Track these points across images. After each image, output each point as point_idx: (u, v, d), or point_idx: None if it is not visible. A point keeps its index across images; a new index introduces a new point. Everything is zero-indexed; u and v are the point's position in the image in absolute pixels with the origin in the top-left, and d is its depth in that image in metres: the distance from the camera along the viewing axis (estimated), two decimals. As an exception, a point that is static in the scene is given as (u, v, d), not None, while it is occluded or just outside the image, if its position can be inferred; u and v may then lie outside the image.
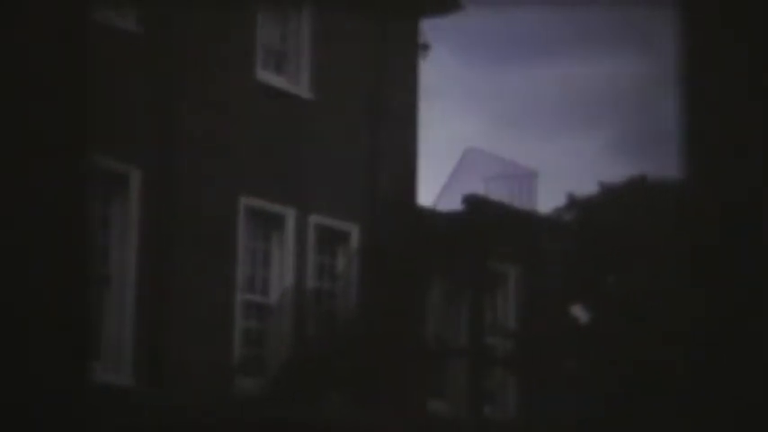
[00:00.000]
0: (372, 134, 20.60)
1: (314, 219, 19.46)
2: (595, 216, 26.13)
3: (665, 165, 30.90)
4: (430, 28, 21.76)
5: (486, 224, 21.09)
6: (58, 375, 5.40)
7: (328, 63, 19.92)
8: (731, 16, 4.89)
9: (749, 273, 4.79)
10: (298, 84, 19.67)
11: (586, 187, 27.44)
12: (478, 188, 21.26)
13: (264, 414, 16.63)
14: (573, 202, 26.84)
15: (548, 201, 26.07)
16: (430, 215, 21.02)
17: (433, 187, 22.05)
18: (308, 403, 17.58)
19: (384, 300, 19.80)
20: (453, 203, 21.10)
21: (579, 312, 26.77)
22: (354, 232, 20.14)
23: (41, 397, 5.31)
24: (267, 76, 19.24)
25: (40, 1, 5.56)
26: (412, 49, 21.43)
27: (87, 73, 5.55)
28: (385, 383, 19.09)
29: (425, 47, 21.80)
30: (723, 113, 4.91)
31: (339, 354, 18.99)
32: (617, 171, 31.81)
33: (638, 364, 22.72)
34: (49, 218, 5.45)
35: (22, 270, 5.41)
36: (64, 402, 5.37)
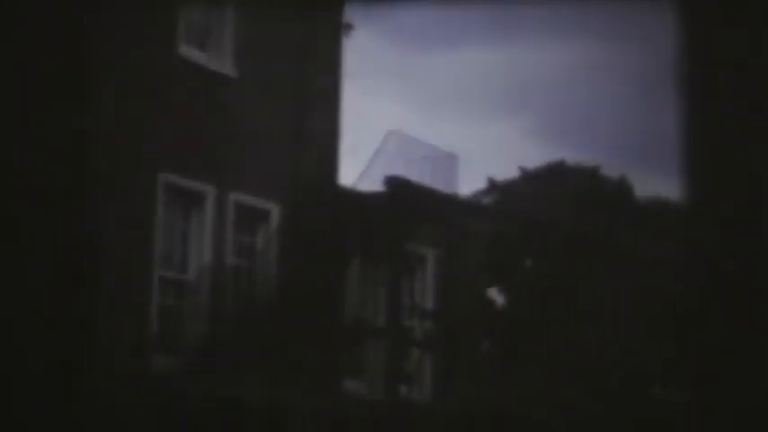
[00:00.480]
0: (295, 113, 20.57)
1: (234, 197, 19.40)
2: (515, 200, 26.34)
3: (587, 150, 31.17)
4: (356, 9, 21.77)
5: (406, 206, 21.17)
6: (57, 374, 5.39)
7: (252, 41, 19.85)
8: (727, 12, 4.91)
9: (751, 273, 4.82)
10: (221, 60, 19.57)
11: (506, 172, 27.59)
12: (400, 170, 21.32)
13: (181, 391, 16.58)
14: (493, 186, 27.00)
15: (468, 184, 26.22)
16: (351, 196, 21.05)
17: (355, 168, 22.11)
18: (225, 381, 17.55)
19: (303, 279, 19.80)
20: (374, 185, 21.15)
21: (496, 295, 26.98)
22: (275, 211, 20.11)
23: (41, 397, 5.30)
24: (190, 52, 19.12)
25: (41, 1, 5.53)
26: (336, 30, 21.42)
27: (88, 72, 5.53)
28: (301, 362, 19.11)
29: (349, 27, 21.80)
30: (723, 113, 4.94)
31: (256, 332, 18.97)
32: (537, 156, 32.03)
33: (551, 346, 22.96)
34: (49, 217, 5.44)
35: (20, 270, 5.41)
36: (63, 399, 5.35)
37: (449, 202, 22.46)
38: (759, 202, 4.78)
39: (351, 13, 21.72)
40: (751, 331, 4.89)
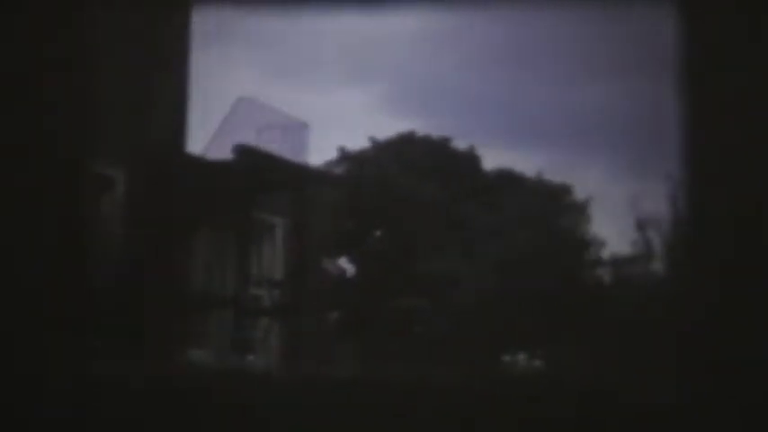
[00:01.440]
0: (142, 78, 20.27)
1: (79, 163, 19.06)
2: (365, 170, 26.40)
3: (438, 122, 31.38)
4: (206, -26, 21.50)
5: (255, 175, 21.06)
6: (56, 375, 5.29)
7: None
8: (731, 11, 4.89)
9: (753, 273, 4.82)
10: (66, 24, 19.17)
11: (358, 142, 27.63)
12: (249, 138, 21.19)
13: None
14: (344, 156, 27.02)
15: (319, 153, 26.20)
16: (198, 164, 20.85)
17: (203, 135, 21.89)
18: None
19: (148, 248, 19.58)
20: (223, 152, 20.98)
21: (346, 264, 27.05)
22: (120, 178, 19.82)
23: (40, 397, 5.19)
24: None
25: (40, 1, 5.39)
26: (186, -6, 21.12)
27: (88, 72, 5.39)
28: (147, 333, 18.92)
29: (199, -8, 21.53)
30: (724, 113, 4.93)
31: (101, 302, 18.72)
32: (388, 127, 32.15)
33: (397, 312, 23.14)
34: (49, 217, 5.32)
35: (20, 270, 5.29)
36: (62, 403, 5.24)
37: (299, 172, 22.41)
38: (759, 201, 4.82)
39: (201, -22, 21.46)
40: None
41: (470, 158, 27.02)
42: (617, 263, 22.78)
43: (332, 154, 27.10)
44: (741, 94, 4.81)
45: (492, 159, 27.30)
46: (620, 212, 22.29)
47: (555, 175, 26.67)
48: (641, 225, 21.66)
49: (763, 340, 4.69)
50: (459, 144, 27.20)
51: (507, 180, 26.47)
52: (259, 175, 21.18)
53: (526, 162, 32.17)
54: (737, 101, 4.81)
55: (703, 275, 4.83)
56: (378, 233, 26.62)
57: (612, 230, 25.19)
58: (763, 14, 4.75)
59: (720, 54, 4.83)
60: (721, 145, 4.80)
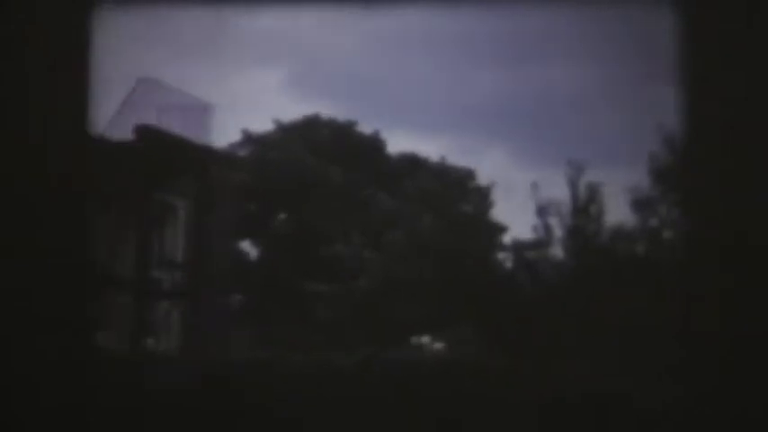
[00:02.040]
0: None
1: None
2: (269, 153, 26.29)
3: (343, 106, 31.32)
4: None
5: (157, 155, 20.85)
6: (56, 374, 5.20)
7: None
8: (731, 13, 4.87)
9: (753, 273, 4.82)
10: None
11: (262, 124, 27.48)
12: (151, 119, 20.96)
13: None
14: (247, 138, 26.86)
15: (223, 135, 26.02)
16: (99, 145, 20.59)
17: (105, 115, 21.61)
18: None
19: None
20: (124, 133, 20.74)
21: (249, 248, 26.91)
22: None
23: (40, 397, 5.04)
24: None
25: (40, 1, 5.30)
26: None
27: (89, 71, 5.30)
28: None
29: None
30: (724, 113, 4.91)
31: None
32: (293, 109, 32.06)
33: (300, 296, 23.09)
34: (49, 217, 5.25)
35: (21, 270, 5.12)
36: (63, 402, 5.15)
37: (202, 153, 22.24)
38: (759, 201, 4.83)
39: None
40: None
41: (375, 142, 27.04)
42: (518, 247, 22.96)
43: (236, 135, 26.93)
44: (740, 92, 4.85)
45: (396, 143, 27.36)
46: (521, 198, 22.48)
47: (458, 160, 26.81)
48: (541, 210, 21.86)
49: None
50: (365, 128, 27.22)
51: (411, 164, 26.54)
52: (161, 156, 20.98)
53: (430, 146, 32.32)
54: (736, 99, 4.85)
55: (703, 271, 4.87)
56: (282, 216, 26.53)
57: (514, 215, 25.38)
58: (763, 14, 4.79)
59: (720, 53, 4.86)
60: (720, 142, 4.83)
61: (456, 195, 26.24)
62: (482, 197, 26.39)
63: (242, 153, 26.81)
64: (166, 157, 21.14)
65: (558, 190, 22.10)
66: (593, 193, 22.00)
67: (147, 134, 20.62)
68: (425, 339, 23.38)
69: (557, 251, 21.99)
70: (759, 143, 4.84)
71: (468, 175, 26.56)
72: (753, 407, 4.75)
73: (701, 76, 4.89)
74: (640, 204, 21.56)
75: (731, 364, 4.74)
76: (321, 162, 25.93)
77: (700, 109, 4.88)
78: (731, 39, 4.87)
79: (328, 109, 29.62)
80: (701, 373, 4.79)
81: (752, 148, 4.84)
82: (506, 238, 25.10)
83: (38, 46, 5.46)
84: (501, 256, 24.74)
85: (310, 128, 26.73)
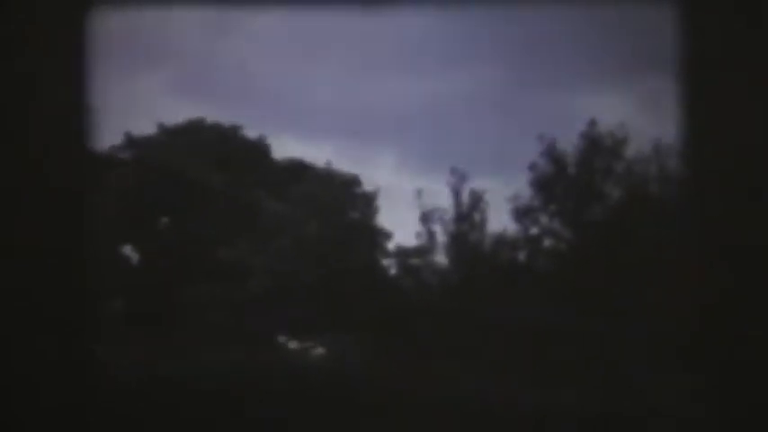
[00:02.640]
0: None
1: None
2: (151, 156, 26.05)
3: (229, 110, 31.09)
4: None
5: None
6: (56, 374, 5.06)
7: None
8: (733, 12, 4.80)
9: (753, 269, 4.75)
10: None
11: (144, 127, 27.22)
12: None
13: None
14: (130, 141, 26.59)
15: (104, 138, 25.66)
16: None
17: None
18: None
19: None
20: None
21: (130, 252, 26.61)
22: None
23: (39, 398, 5.01)
24: None
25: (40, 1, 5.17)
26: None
27: (87, 71, 5.14)
28: None
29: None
30: (724, 113, 4.84)
31: None
32: (177, 112, 31.77)
33: (186, 302, 22.90)
34: (48, 217, 5.05)
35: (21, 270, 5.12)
36: (64, 403, 4.99)
37: (83, 156, 21.92)
38: (761, 203, 4.79)
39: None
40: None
41: (260, 147, 26.90)
42: (402, 254, 23.00)
43: (118, 139, 26.60)
44: (741, 92, 4.83)
45: (281, 148, 27.26)
46: (405, 205, 22.53)
47: (344, 166, 26.80)
48: (425, 217, 21.92)
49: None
50: (250, 133, 27.06)
51: (297, 169, 26.46)
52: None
53: (317, 152, 32.26)
54: (737, 100, 4.82)
55: (704, 271, 4.84)
56: (165, 220, 26.27)
57: (398, 222, 25.45)
58: (762, 14, 4.78)
59: (720, 52, 4.84)
60: (721, 144, 4.81)
61: (342, 201, 26.24)
62: (367, 203, 26.42)
63: (124, 156, 26.50)
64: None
65: (442, 197, 22.18)
66: (476, 201, 22.13)
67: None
68: (308, 344, 23.32)
69: (440, 258, 22.07)
70: (760, 143, 4.81)
71: (353, 180, 26.57)
72: (753, 407, 4.73)
73: (702, 76, 4.87)
74: (521, 213, 21.74)
75: (731, 364, 4.72)
76: (205, 166, 25.73)
77: (700, 109, 4.86)
78: (732, 38, 4.85)
79: (214, 113, 29.38)
80: (700, 373, 4.78)
81: (752, 148, 4.81)
82: (391, 245, 25.14)
83: (37, 46, 5.37)
84: (385, 262, 24.76)
85: (194, 131, 26.50)
